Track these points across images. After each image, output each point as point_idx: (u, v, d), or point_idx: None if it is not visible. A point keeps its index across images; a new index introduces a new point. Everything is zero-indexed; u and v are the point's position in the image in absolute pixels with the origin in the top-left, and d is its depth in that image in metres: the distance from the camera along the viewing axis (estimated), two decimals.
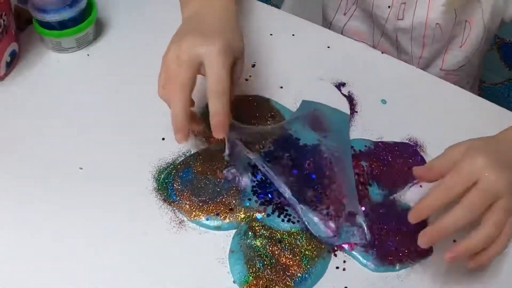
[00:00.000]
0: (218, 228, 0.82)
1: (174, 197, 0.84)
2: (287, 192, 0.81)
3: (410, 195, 0.86)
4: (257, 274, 0.77)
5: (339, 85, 1.00)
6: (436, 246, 0.80)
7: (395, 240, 0.79)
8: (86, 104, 0.96)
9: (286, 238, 0.80)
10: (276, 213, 0.83)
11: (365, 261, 0.79)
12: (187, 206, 0.84)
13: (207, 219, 0.82)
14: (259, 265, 0.77)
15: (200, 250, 0.80)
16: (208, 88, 0.76)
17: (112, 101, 0.96)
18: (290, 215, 0.82)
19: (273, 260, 0.78)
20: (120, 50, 1.04)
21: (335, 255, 0.81)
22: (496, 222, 0.69)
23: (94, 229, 0.81)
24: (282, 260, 0.78)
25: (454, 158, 0.72)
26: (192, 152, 0.89)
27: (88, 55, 1.04)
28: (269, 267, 0.77)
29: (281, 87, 0.99)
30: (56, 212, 0.82)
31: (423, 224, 0.74)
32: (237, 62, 0.81)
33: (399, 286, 0.78)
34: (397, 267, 0.79)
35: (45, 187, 0.85)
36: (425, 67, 1.12)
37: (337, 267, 0.80)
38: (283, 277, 0.77)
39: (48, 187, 0.85)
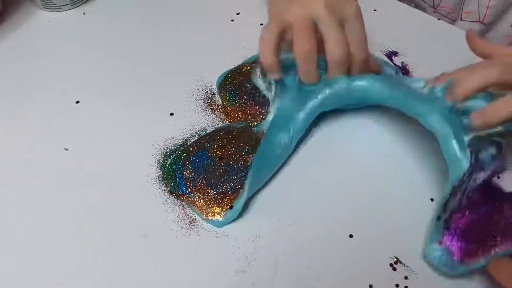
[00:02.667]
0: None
1: (184, 189, 0.67)
2: None
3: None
4: None
5: (390, 54, 0.85)
6: None
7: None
8: (80, 72, 0.82)
9: None
10: None
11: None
12: (201, 201, 0.66)
13: (230, 208, 0.66)
14: None
15: (217, 258, 0.64)
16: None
17: (111, 68, 0.82)
18: None
19: None
20: (121, 9, 0.92)
21: (394, 269, 0.64)
22: None
23: (81, 229, 0.66)
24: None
25: None
26: (208, 131, 0.74)
27: (84, 14, 0.91)
28: None
29: None
30: (38, 210, 0.67)
31: None
32: None
33: None
34: (482, 261, 0.62)
35: (26, 175, 0.71)
36: (493, 22, 0.97)
37: (397, 285, 0.63)
38: None
39: (29, 175, 0.71)
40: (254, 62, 0.79)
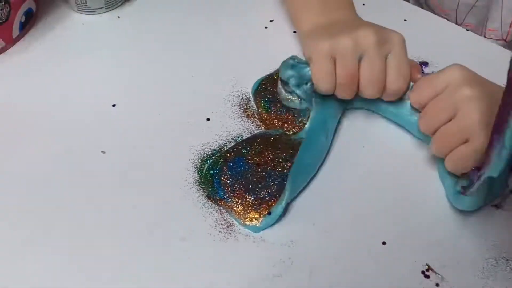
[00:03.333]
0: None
1: (222, 194, 0.68)
2: None
3: None
4: None
5: (421, 64, 0.85)
6: None
7: None
8: (116, 75, 0.83)
9: None
10: None
11: None
12: (239, 206, 0.67)
13: (269, 214, 0.66)
14: None
15: (254, 263, 0.64)
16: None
17: (146, 72, 0.83)
18: None
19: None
20: (156, 13, 0.92)
21: (426, 277, 0.65)
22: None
23: (118, 231, 0.67)
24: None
25: None
26: (244, 137, 0.74)
27: (118, 17, 0.91)
28: None
29: None
30: (73, 212, 0.68)
31: None
32: None
33: None
34: None
35: (63, 178, 0.71)
36: None
37: None
38: None
39: (66, 177, 0.71)
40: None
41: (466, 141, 0.64)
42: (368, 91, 0.71)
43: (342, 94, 0.72)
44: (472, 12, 0.99)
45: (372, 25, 0.73)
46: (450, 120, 0.66)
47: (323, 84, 0.71)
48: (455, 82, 0.67)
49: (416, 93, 0.70)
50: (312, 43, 0.72)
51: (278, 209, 0.66)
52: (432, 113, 0.68)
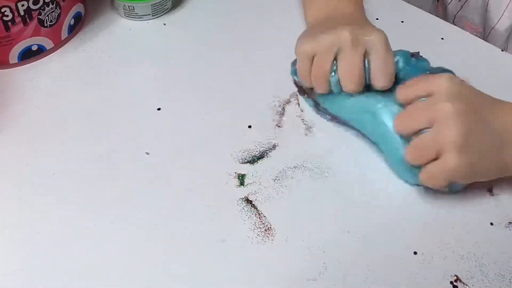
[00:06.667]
0: None
1: None
2: None
3: None
4: None
5: None
6: None
7: None
8: (161, 80, 0.85)
9: None
10: None
11: None
12: None
13: None
14: None
15: (290, 266, 0.67)
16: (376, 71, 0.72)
17: (190, 79, 0.86)
18: None
19: None
20: (201, 21, 0.95)
21: (455, 287, 0.66)
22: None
23: (159, 230, 0.69)
24: None
25: None
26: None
27: (164, 24, 0.94)
28: None
29: None
30: (117, 209, 0.71)
31: None
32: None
33: None
34: None
35: (107, 176, 0.74)
36: None
37: None
38: None
39: (110, 176, 0.74)
40: None
41: (438, 156, 0.65)
42: (347, 86, 0.73)
43: (317, 88, 0.75)
44: None
45: (354, 24, 0.75)
46: (426, 128, 0.67)
47: (303, 81, 0.77)
48: (440, 93, 0.66)
49: (403, 88, 0.71)
50: (298, 43, 0.77)
51: None
52: (411, 114, 0.69)
